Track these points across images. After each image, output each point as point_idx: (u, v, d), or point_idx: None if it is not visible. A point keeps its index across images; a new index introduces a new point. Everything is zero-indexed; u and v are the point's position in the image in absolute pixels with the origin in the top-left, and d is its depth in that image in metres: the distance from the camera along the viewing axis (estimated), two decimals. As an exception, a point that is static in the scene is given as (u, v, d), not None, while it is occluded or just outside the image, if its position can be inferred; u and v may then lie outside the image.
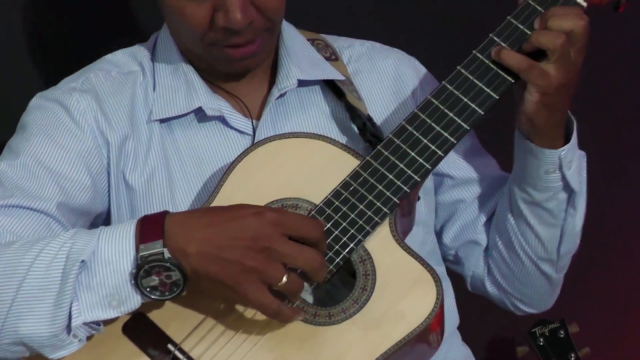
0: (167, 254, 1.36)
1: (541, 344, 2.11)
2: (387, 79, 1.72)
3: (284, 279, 1.36)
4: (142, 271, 1.37)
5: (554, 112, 1.54)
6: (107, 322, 1.43)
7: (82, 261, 1.37)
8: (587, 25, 1.51)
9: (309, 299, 1.47)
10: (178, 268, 1.37)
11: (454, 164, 1.73)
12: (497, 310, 1.81)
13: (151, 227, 1.39)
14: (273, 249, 1.36)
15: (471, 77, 1.52)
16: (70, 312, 1.37)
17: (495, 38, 1.54)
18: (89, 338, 1.41)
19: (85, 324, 1.39)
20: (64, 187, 1.55)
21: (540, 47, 1.50)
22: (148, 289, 1.38)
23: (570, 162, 1.59)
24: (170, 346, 1.43)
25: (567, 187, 1.61)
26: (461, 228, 1.74)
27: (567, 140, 1.58)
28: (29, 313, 1.37)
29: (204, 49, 1.57)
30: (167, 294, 1.39)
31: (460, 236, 1.74)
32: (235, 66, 1.60)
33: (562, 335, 2.12)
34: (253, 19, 1.52)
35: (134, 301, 1.39)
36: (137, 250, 1.37)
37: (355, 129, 1.64)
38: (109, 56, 1.69)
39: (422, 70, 1.77)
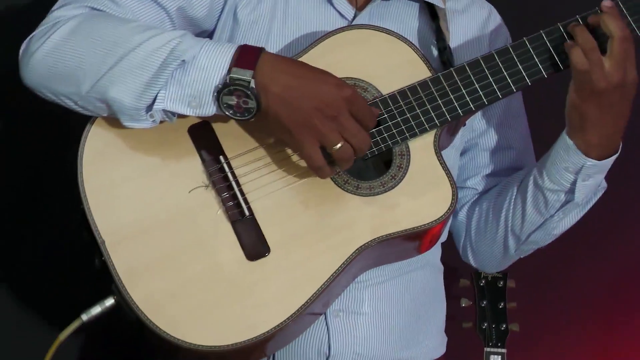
0: (252, 84, 1.58)
1: (482, 284, 2.38)
2: (475, 24, 1.92)
3: (339, 145, 1.59)
4: (226, 89, 1.59)
5: (585, 114, 1.70)
6: (179, 117, 1.66)
7: (183, 60, 1.60)
8: (626, 37, 1.66)
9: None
10: (256, 99, 1.59)
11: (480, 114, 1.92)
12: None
13: (248, 56, 1.60)
14: (339, 119, 1.59)
15: (548, 44, 1.73)
16: (156, 96, 1.60)
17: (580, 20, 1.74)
18: (161, 122, 1.64)
19: (164, 110, 1.62)
20: None
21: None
22: (225, 105, 1.60)
23: (588, 176, 1.77)
24: (221, 157, 1.66)
25: (571, 193, 1.80)
26: (462, 167, 1.95)
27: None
28: (123, 81, 1.60)
29: None
30: (238, 114, 1.61)
31: (458, 174, 1.94)
32: None
33: (500, 285, 2.39)
34: None
35: (209, 109, 1.61)
36: (230, 70, 1.59)
37: (436, 50, 1.85)
38: None
39: (504, 28, 1.97)
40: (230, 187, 1.65)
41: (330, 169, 1.63)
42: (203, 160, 1.67)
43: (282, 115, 1.59)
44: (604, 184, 1.84)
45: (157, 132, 1.66)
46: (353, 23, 1.83)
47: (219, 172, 1.66)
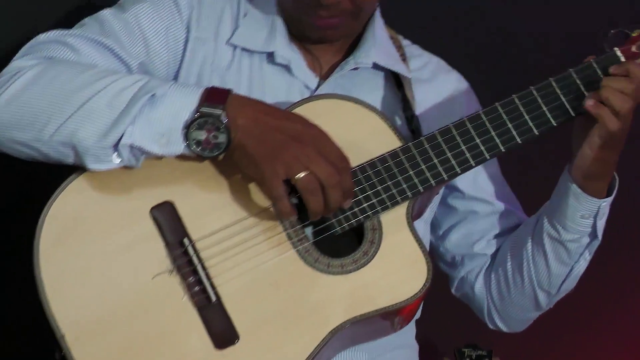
0: (223, 117, 1.55)
1: None
2: (442, 92, 1.89)
3: (302, 174, 1.54)
4: (196, 122, 1.55)
5: (611, 163, 1.70)
6: (137, 199, 1.60)
7: (153, 95, 1.55)
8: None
9: (310, 237, 1.63)
10: (227, 131, 1.55)
11: (469, 181, 1.88)
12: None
13: (217, 94, 1.58)
14: (305, 150, 1.55)
15: (521, 108, 1.67)
16: (123, 133, 1.55)
17: (554, 83, 1.68)
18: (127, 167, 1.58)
19: (131, 147, 1.56)
20: (150, 53, 1.73)
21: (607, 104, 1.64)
22: (194, 141, 1.56)
23: (604, 213, 1.76)
24: (185, 239, 1.59)
25: (593, 234, 1.78)
26: (466, 235, 1.90)
27: (609, 192, 1.74)
28: (90, 121, 1.56)
29: (295, 8, 1.74)
30: (207, 152, 1.57)
31: (463, 242, 1.91)
32: (315, 33, 1.76)
33: None
34: (341, 0, 1.67)
35: (178, 147, 1.57)
36: (200, 106, 1.56)
37: (404, 118, 1.80)
38: None
39: (473, 95, 1.93)
40: (195, 272, 1.58)
41: (290, 206, 1.57)
42: (167, 243, 1.60)
43: (248, 146, 1.56)
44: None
45: (119, 214, 1.60)
46: (317, 93, 1.77)
47: (183, 256, 1.59)
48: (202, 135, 1.56)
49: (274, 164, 1.55)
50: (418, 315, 1.85)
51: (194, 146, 1.56)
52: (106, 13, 1.74)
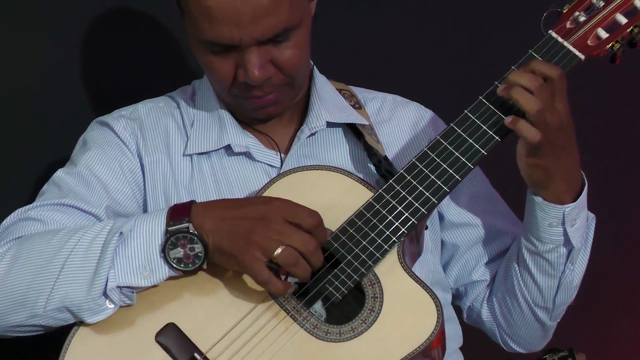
0: (191, 228, 1.58)
1: None
2: (405, 127, 1.90)
3: (279, 249, 1.55)
4: (169, 242, 1.58)
5: (548, 169, 1.66)
6: (140, 331, 1.61)
7: (121, 233, 1.59)
8: (542, 85, 1.61)
9: (322, 312, 1.64)
10: (200, 240, 1.57)
11: (447, 206, 1.88)
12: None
13: (180, 210, 1.61)
14: (272, 228, 1.56)
15: (477, 121, 1.67)
16: (107, 279, 1.58)
17: (498, 85, 1.68)
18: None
19: (120, 288, 1.59)
20: (112, 194, 1.77)
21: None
22: (174, 260, 1.58)
23: (574, 219, 1.72)
24: (196, 355, 1.60)
25: (568, 243, 1.74)
26: (462, 267, 1.90)
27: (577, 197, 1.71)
28: (73, 281, 1.59)
29: (231, 99, 1.77)
30: (190, 265, 1.59)
31: (462, 275, 1.90)
32: (259, 114, 1.79)
33: None
34: (271, 75, 1.69)
35: (163, 272, 1.59)
36: (167, 226, 1.59)
37: (372, 166, 1.80)
38: (160, 97, 1.91)
39: (438, 120, 1.94)
40: None
41: (283, 282, 1.58)
42: None
43: (223, 245, 1.58)
44: (591, 215, 1.79)
45: (128, 353, 1.61)
46: (282, 169, 1.79)
47: None
48: (179, 252, 1.58)
49: (250, 250, 1.56)
50: (460, 343, 1.85)
51: (176, 265, 1.59)
52: (60, 174, 1.79)
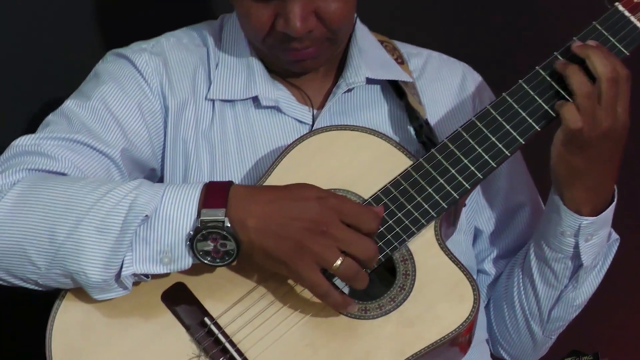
0: (227, 223, 1.39)
1: None
2: (451, 90, 1.73)
3: (338, 261, 1.38)
4: (199, 235, 1.39)
5: (575, 169, 1.52)
6: (144, 290, 1.46)
7: (146, 216, 1.40)
8: (616, 79, 1.47)
9: (345, 290, 1.50)
10: (234, 239, 1.40)
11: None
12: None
13: (216, 194, 1.41)
14: (330, 234, 1.39)
15: (532, 93, 1.53)
16: (122, 262, 1.41)
17: (559, 56, 1.54)
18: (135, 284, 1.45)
19: (134, 275, 1.42)
20: (128, 136, 1.59)
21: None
22: (201, 253, 1.41)
23: (590, 235, 1.57)
24: (206, 319, 1.45)
25: (577, 259, 1.60)
26: (477, 254, 1.75)
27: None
28: (82, 251, 1.40)
29: (265, 48, 1.60)
30: (217, 261, 1.41)
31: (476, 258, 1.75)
32: (294, 67, 1.63)
33: None
34: (313, 28, 1.54)
35: (185, 262, 1.42)
36: (199, 214, 1.40)
37: (412, 130, 1.65)
38: (182, 29, 1.73)
39: (486, 87, 1.78)
40: (225, 350, 1.44)
41: (344, 297, 1.43)
42: (187, 328, 1.46)
43: (269, 248, 1.40)
44: (615, 236, 1.64)
45: (130, 310, 1.46)
46: (314, 126, 1.64)
47: (208, 337, 1.45)
48: (208, 245, 1.40)
49: (305, 259, 1.39)
50: (486, 334, 1.72)
51: (202, 257, 1.41)
52: (70, 105, 1.59)
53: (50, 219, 1.42)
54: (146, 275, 1.44)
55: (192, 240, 1.40)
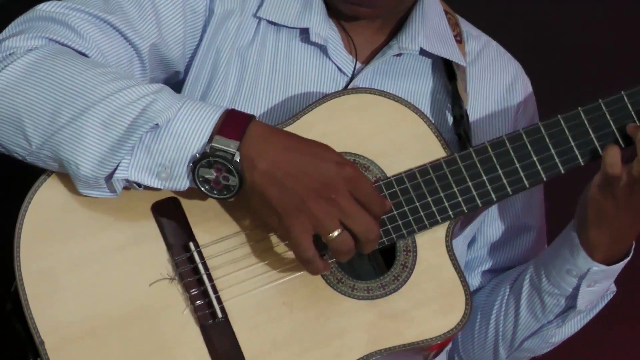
0: (236, 157, 1.31)
1: None
2: (499, 87, 1.65)
3: (335, 232, 1.31)
4: (205, 160, 1.31)
5: (603, 212, 1.46)
6: (140, 194, 1.38)
7: (156, 124, 1.32)
8: None
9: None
10: (239, 175, 1.32)
11: None
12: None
13: (235, 124, 1.33)
14: (337, 202, 1.31)
15: (587, 125, 1.46)
16: (119, 164, 1.32)
17: (626, 98, 1.47)
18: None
19: (127, 180, 1.34)
20: (162, 32, 1.48)
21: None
22: (201, 179, 1.33)
23: (594, 282, 1.52)
24: (191, 244, 1.38)
25: (572, 300, 1.55)
26: (469, 261, 1.69)
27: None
28: (80, 141, 1.32)
29: None
30: (215, 192, 1.34)
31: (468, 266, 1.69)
32: (349, 9, 1.53)
33: None
34: None
35: (182, 183, 1.34)
36: (211, 139, 1.31)
37: (450, 117, 1.58)
38: None
39: (532, 95, 1.69)
40: (200, 282, 1.38)
41: (324, 263, 1.35)
42: (169, 247, 1.38)
43: (270, 195, 1.32)
44: (613, 288, 1.59)
45: (116, 208, 1.38)
46: (354, 80, 1.55)
47: (187, 263, 1.38)
48: (211, 174, 1.32)
49: (301, 219, 1.31)
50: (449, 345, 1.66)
51: (200, 184, 1.33)
52: None
53: (58, 97, 1.33)
54: (138, 184, 1.36)
55: (196, 164, 1.32)
